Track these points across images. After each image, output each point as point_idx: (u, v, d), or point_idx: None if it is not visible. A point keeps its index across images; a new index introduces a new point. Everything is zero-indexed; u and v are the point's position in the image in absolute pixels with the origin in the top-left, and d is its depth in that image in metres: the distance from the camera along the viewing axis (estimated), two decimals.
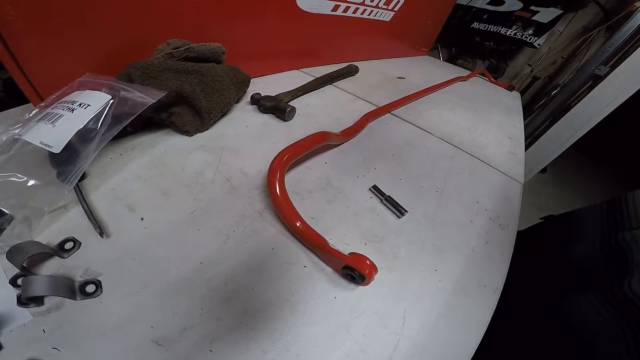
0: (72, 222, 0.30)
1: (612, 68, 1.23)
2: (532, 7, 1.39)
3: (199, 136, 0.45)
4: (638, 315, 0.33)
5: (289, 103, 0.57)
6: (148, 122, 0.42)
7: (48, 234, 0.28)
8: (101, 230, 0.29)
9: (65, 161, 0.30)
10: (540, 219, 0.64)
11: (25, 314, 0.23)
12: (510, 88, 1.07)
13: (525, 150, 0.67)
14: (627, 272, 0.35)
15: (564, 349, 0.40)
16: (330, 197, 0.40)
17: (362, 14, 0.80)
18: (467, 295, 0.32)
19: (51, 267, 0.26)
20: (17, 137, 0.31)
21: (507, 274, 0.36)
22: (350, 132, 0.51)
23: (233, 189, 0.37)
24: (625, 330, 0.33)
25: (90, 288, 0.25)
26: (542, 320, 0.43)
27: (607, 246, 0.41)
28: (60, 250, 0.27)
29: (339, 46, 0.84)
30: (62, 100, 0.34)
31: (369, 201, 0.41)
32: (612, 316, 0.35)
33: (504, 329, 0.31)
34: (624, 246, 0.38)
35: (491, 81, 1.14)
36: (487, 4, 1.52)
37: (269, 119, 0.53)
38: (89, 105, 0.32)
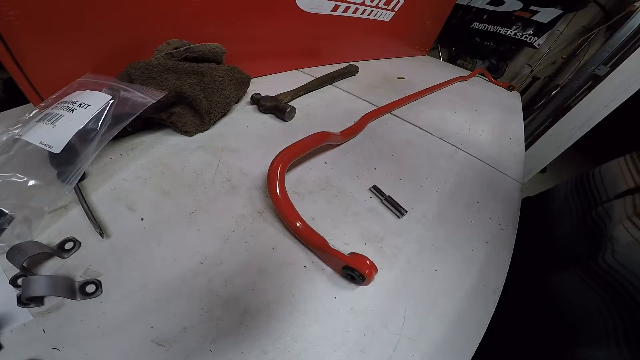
0: (72, 222, 0.30)
1: (612, 68, 1.23)
2: (532, 7, 1.39)
3: (199, 136, 0.45)
4: (615, 286, 0.34)
5: (289, 103, 0.57)
6: (148, 122, 0.42)
7: (48, 234, 0.28)
8: (101, 230, 0.29)
9: (65, 161, 0.30)
10: None
11: (25, 314, 0.23)
12: (510, 88, 1.07)
13: (525, 150, 0.67)
14: (602, 247, 0.36)
15: (554, 328, 0.41)
16: (330, 197, 0.40)
17: (362, 14, 0.80)
18: (467, 295, 0.32)
19: (51, 267, 0.26)
20: (17, 137, 0.31)
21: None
22: (350, 132, 0.51)
23: (233, 189, 0.37)
24: (608, 302, 0.34)
25: (90, 288, 0.25)
26: (530, 301, 0.44)
27: (583, 223, 0.42)
28: (61, 250, 0.27)
29: (339, 46, 0.84)
30: (62, 100, 0.34)
31: (369, 201, 0.41)
32: (593, 290, 0.36)
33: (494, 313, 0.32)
34: (598, 220, 0.39)
35: (491, 81, 1.14)
36: (487, 4, 1.52)
37: (269, 119, 0.53)
38: (89, 105, 0.32)
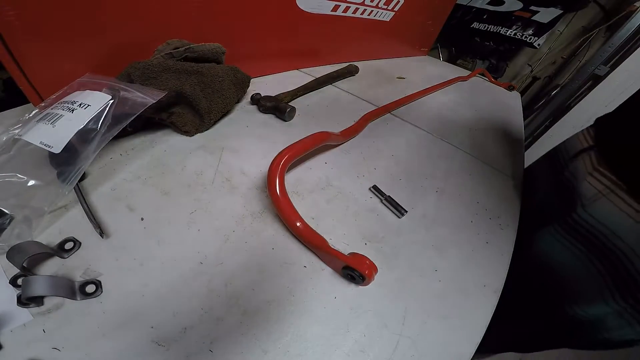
0: (72, 222, 0.30)
1: (612, 68, 1.23)
2: (532, 7, 1.38)
3: (199, 136, 0.45)
4: (592, 241, 0.37)
5: (289, 103, 0.57)
6: (148, 122, 0.42)
7: (48, 234, 0.28)
8: (101, 230, 0.29)
9: (65, 161, 0.30)
10: None
11: (25, 314, 0.23)
12: (510, 88, 1.07)
13: (525, 150, 0.67)
14: (574, 203, 0.40)
15: (545, 286, 0.44)
16: (330, 197, 0.40)
17: (362, 14, 0.80)
18: (467, 295, 0.32)
19: (51, 267, 0.26)
20: (17, 137, 0.31)
21: None
22: (350, 132, 0.51)
23: (233, 189, 0.37)
24: (592, 258, 0.37)
25: (90, 288, 0.25)
26: (518, 265, 0.46)
27: (556, 185, 0.47)
28: (60, 250, 0.27)
29: (339, 46, 0.84)
30: (62, 100, 0.34)
31: (369, 201, 0.41)
32: (574, 247, 0.39)
33: None
34: (567, 182, 0.44)
35: (491, 81, 1.14)
36: (487, 4, 1.52)
37: (269, 119, 0.53)
38: (89, 105, 0.32)
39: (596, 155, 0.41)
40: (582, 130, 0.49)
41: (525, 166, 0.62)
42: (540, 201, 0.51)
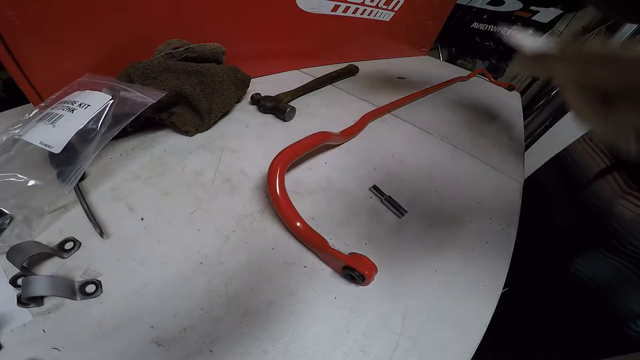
0: (72, 222, 0.30)
1: None
2: (532, 7, 1.39)
3: (199, 136, 0.45)
4: None
5: (289, 103, 0.57)
6: (148, 122, 0.42)
7: (48, 234, 0.28)
8: (101, 230, 0.29)
9: (65, 161, 0.30)
10: None
11: (25, 314, 0.23)
12: (510, 88, 1.07)
13: (525, 150, 0.67)
14: (610, 226, 0.38)
15: (588, 307, 0.42)
16: (330, 197, 0.40)
17: (362, 14, 0.80)
18: (467, 295, 0.32)
19: (51, 267, 0.26)
20: (17, 137, 0.31)
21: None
22: (350, 132, 0.51)
23: (233, 189, 0.37)
24: None
25: (90, 288, 0.25)
26: (558, 289, 0.44)
27: (576, 206, 0.45)
28: (60, 250, 0.27)
29: (339, 46, 0.84)
30: (62, 100, 0.34)
31: (369, 201, 0.41)
32: (627, 268, 0.37)
33: (519, 309, 0.33)
34: (588, 202, 0.43)
35: (491, 81, 1.14)
36: (487, 4, 1.52)
37: (269, 119, 0.53)
38: (89, 105, 0.32)
39: (622, 178, 0.39)
40: (583, 135, 0.47)
41: (525, 168, 0.61)
42: (563, 222, 0.49)
